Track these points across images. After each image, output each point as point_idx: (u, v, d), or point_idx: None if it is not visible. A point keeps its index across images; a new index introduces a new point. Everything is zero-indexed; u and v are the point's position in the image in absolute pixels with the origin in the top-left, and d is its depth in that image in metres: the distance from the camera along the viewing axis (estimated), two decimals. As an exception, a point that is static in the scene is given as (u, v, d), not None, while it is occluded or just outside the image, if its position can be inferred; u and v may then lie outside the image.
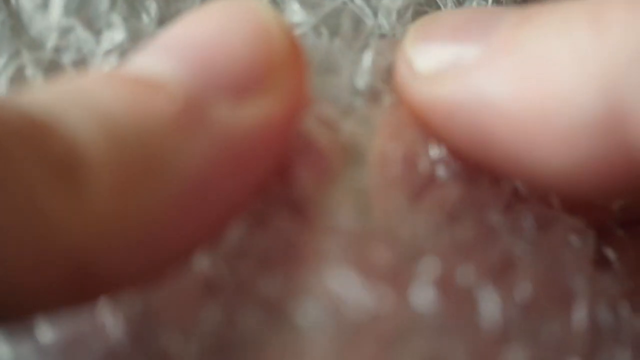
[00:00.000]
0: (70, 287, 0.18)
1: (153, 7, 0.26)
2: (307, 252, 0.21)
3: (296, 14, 0.25)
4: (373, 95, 0.25)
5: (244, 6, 0.22)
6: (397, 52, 0.24)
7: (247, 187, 0.21)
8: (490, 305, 0.21)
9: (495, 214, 0.23)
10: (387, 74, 0.25)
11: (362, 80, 0.25)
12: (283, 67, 0.21)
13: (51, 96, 0.19)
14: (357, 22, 0.26)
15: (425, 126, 0.23)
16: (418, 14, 0.26)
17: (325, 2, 0.25)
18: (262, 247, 0.21)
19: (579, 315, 0.22)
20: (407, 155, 0.23)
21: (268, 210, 0.22)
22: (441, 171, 0.23)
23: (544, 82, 0.21)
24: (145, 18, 0.26)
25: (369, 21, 0.26)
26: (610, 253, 0.24)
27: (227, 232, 0.21)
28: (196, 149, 0.20)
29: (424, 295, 0.21)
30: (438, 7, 0.26)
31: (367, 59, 0.25)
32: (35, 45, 0.25)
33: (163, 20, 0.25)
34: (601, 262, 0.24)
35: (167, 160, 0.19)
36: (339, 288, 0.20)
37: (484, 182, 0.23)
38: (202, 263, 0.21)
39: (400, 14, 0.26)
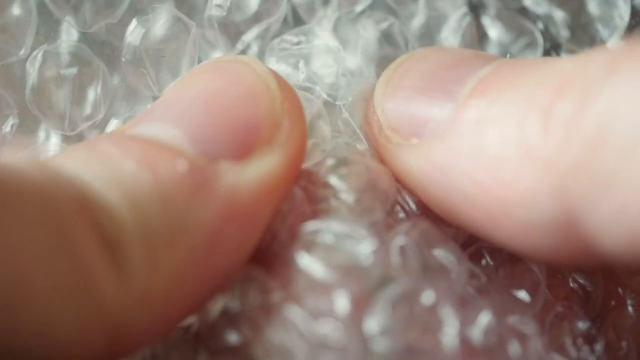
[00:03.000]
0: (100, 349, 0.20)
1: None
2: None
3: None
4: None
5: (238, 63, 0.24)
6: (367, 109, 0.25)
7: (253, 237, 0.22)
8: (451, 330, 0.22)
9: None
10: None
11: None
12: (283, 119, 0.23)
13: (78, 163, 0.21)
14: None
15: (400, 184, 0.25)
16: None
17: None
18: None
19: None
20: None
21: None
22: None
23: (499, 173, 0.22)
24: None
25: None
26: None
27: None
28: (207, 210, 0.21)
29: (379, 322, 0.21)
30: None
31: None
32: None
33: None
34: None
35: (186, 223, 0.21)
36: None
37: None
38: None
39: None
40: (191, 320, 0.23)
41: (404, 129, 0.24)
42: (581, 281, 0.27)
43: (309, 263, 0.22)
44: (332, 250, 0.22)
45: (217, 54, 0.30)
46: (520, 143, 0.21)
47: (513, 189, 0.22)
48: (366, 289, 0.22)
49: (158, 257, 0.20)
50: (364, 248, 0.22)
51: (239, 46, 0.29)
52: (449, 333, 0.22)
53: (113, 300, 0.19)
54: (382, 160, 0.25)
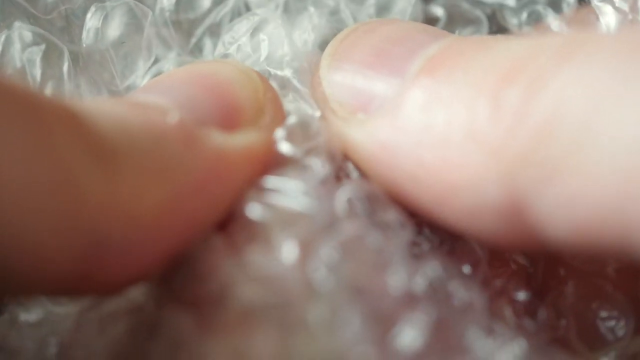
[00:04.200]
0: (78, 261, 0.19)
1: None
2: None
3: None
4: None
5: (220, 62, 0.25)
6: (312, 80, 0.25)
7: (230, 198, 0.23)
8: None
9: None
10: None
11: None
12: (266, 106, 0.24)
13: (82, 104, 0.21)
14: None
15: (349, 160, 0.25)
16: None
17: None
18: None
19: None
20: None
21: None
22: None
23: (446, 157, 0.22)
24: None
25: None
26: None
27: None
28: (196, 159, 0.22)
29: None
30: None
31: None
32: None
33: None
34: None
35: (174, 164, 0.21)
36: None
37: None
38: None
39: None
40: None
41: (350, 103, 0.24)
42: (522, 262, 0.28)
43: (256, 213, 0.23)
44: (280, 201, 0.23)
45: (172, 52, 0.31)
46: (469, 126, 0.21)
47: (460, 172, 0.22)
48: (313, 233, 0.22)
49: (146, 181, 0.20)
50: (310, 198, 0.23)
51: (193, 40, 0.31)
52: (396, 276, 0.22)
53: (96, 205, 0.19)
54: (330, 131, 0.25)
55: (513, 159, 0.21)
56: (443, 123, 0.22)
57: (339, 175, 0.25)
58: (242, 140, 0.23)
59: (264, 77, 0.25)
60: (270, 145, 0.24)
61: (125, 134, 0.21)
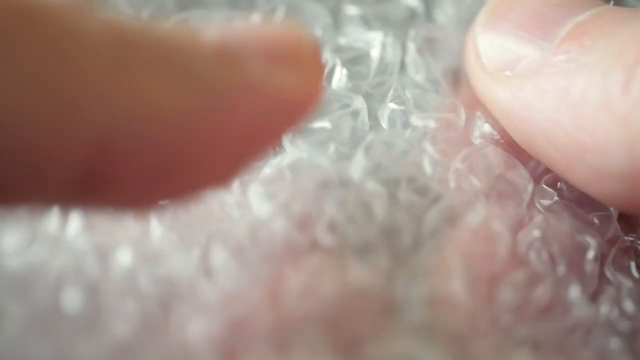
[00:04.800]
0: (88, 157, 0.18)
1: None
2: None
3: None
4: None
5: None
6: (468, 34, 0.27)
7: (263, 137, 0.22)
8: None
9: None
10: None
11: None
12: (309, 54, 0.23)
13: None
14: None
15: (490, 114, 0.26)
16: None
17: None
18: None
19: None
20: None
21: None
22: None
23: (581, 118, 0.23)
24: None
25: None
26: None
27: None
28: (231, 79, 0.21)
29: None
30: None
31: None
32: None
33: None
34: None
35: (205, 75, 0.20)
36: None
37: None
38: None
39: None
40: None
41: (499, 61, 0.26)
42: None
43: None
44: None
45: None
46: (602, 95, 0.23)
47: (589, 134, 0.23)
48: None
49: (165, 81, 0.19)
50: None
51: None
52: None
53: (103, 96, 0.18)
54: (474, 86, 0.27)
55: (637, 128, 0.22)
56: (580, 88, 0.24)
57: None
58: (282, 75, 0.22)
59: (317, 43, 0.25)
60: (311, 92, 0.23)
61: (153, 34, 0.20)
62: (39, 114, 0.18)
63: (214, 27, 0.22)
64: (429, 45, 0.29)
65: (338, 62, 0.28)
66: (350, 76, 0.28)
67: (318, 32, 0.29)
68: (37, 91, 0.18)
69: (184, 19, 0.28)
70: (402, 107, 0.27)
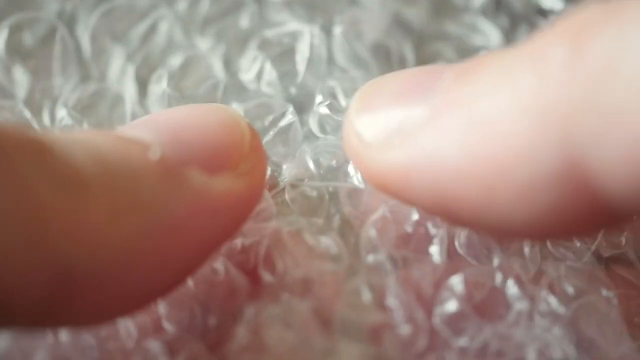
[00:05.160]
0: (48, 292, 0.19)
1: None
2: None
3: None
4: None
5: (213, 105, 0.26)
6: (343, 124, 0.25)
7: (209, 245, 0.23)
8: None
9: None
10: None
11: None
12: (250, 154, 0.24)
13: (54, 135, 0.21)
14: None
15: (385, 193, 0.24)
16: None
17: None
18: None
19: None
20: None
21: None
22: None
23: (493, 137, 0.21)
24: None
25: None
26: None
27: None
28: (173, 198, 0.22)
29: None
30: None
31: None
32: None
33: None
34: None
35: (150, 200, 0.21)
36: None
37: None
38: None
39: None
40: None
41: (384, 132, 0.24)
42: None
43: None
44: None
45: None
46: (513, 103, 0.21)
47: (506, 148, 0.21)
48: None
49: (118, 214, 0.20)
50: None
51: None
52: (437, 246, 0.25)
53: (62, 235, 0.19)
54: (363, 171, 0.25)
55: (567, 113, 0.20)
56: (485, 111, 0.21)
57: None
58: (223, 185, 0.23)
59: (250, 125, 0.25)
60: (250, 194, 0.24)
61: (100, 165, 0.21)
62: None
63: (158, 142, 0.22)
64: (354, 27, 0.28)
65: (267, 61, 0.28)
66: (280, 77, 0.28)
67: (245, 22, 0.29)
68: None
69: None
70: (330, 112, 0.27)
